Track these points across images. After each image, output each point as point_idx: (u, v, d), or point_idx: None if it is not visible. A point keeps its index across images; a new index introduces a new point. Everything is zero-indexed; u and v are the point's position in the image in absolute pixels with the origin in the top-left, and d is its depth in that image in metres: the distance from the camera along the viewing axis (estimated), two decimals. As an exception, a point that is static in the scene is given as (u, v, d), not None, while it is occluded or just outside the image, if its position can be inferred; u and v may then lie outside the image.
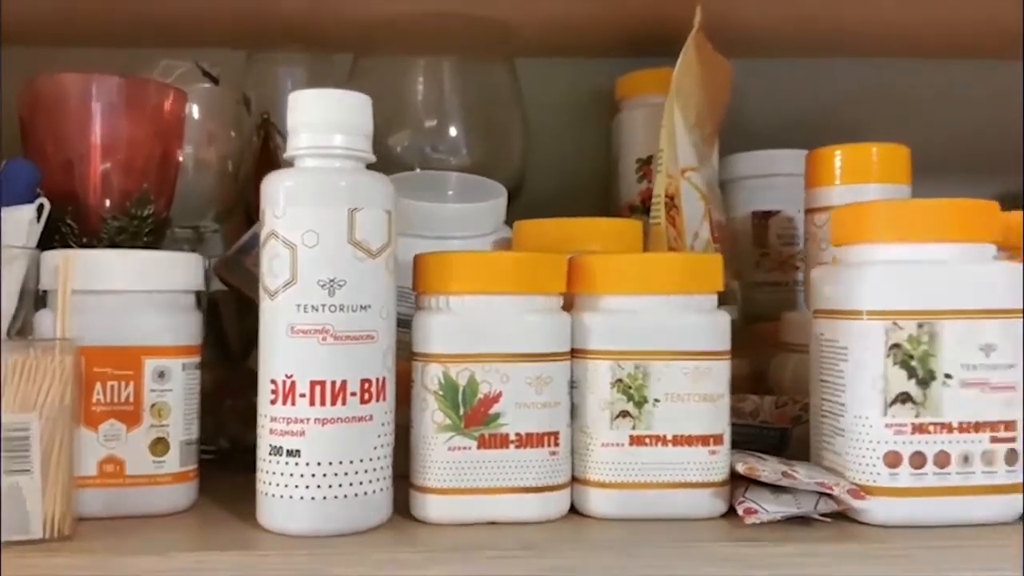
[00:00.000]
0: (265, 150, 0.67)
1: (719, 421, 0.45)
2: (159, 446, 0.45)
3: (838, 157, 0.57)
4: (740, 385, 0.59)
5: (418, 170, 0.69)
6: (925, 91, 0.78)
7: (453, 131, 0.68)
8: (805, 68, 0.77)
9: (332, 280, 0.41)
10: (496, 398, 0.44)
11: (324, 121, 0.43)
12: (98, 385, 0.45)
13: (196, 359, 0.47)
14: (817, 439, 0.47)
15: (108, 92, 0.53)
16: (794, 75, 0.77)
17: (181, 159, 0.59)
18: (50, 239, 0.50)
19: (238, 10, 0.66)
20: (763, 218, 0.70)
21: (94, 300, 0.45)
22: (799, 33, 0.71)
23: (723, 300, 0.57)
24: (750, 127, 0.75)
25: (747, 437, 0.53)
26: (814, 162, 0.58)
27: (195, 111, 0.63)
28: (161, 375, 0.45)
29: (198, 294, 0.49)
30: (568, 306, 0.46)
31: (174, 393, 0.46)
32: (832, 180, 0.57)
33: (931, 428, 0.43)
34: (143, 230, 0.54)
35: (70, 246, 0.51)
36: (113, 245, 0.52)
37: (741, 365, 0.60)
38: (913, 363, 0.43)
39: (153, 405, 0.45)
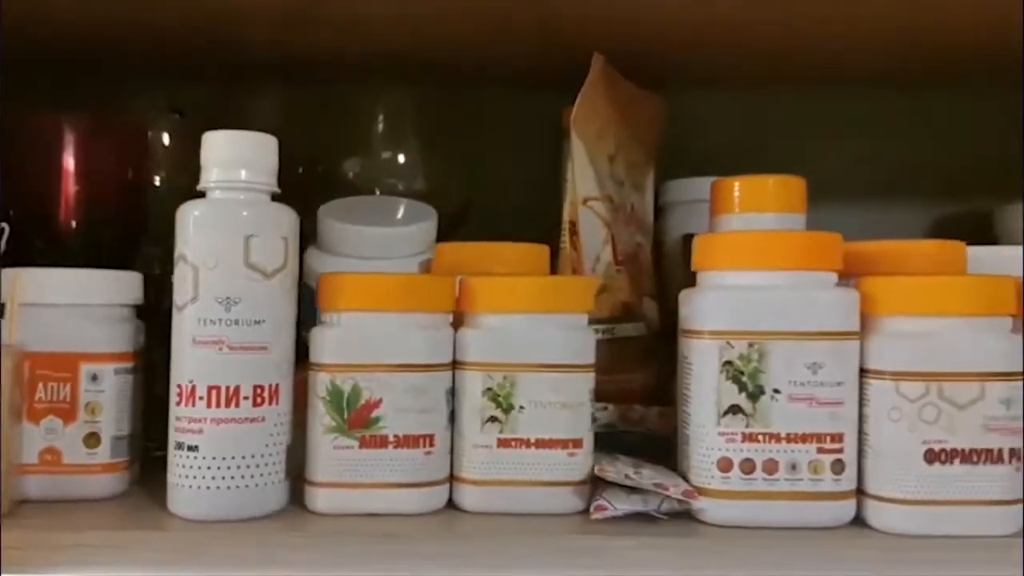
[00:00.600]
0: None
1: (579, 427, 0.50)
2: (92, 439, 0.52)
3: (736, 187, 0.61)
4: (648, 396, 0.64)
5: (378, 194, 0.75)
6: (856, 119, 0.81)
7: (402, 159, 0.74)
8: (744, 99, 0.81)
9: (228, 298, 0.48)
10: (377, 404, 0.49)
11: (230, 158, 0.49)
12: (40, 385, 0.52)
13: (128, 364, 0.54)
14: (678, 446, 0.52)
15: (74, 129, 0.61)
16: (735, 105, 0.81)
17: (156, 183, 0.67)
18: (24, 256, 0.57)
19: (216, 47, 0.73)
20: (691, 241, 0.74)
21: (39, 312, 0.52)
22: (736, 65, 0.76)
23: (631, 317, 0.63)
24: (695, 154, 0.80)
25: (636, 443, 0.58)
26: (716, 192, 0.63)
27: (165, 140, 0.70)
28: (95, 378, 0.52)
29: (137, 307, 0.56)
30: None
31: (106, 394, 0.52)
32: (732, 208, 0.61)
33: (760, 438, 0.47)
34: (105, 249, 0.61)
35: (39, 263, 0.58)
36: (77, 262, 0.59)
37: (648, 377, 0.65)
38: (744, 379, 0.47)
39: (87, 404, 0.52)
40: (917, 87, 0.79)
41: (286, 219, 0.50)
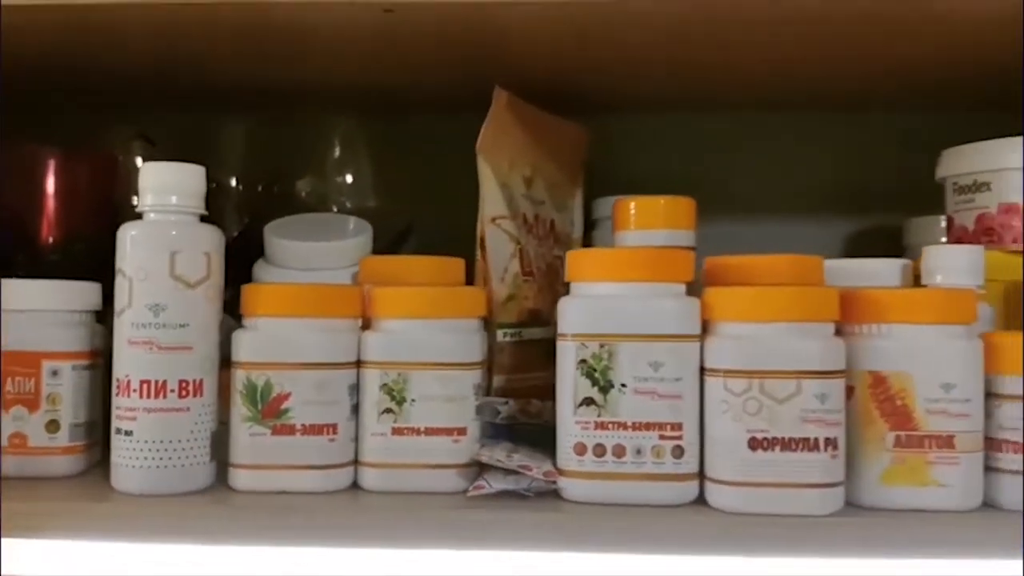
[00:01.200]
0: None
1: (463, 417, 0.58)
2: (52, 426, 0.61)
3: (632, 207, 0.69)
4: (552, 392, 0.71)
5: (335, 211, 0.84)
6: (777, 140, 0.88)
7: (350, 179, 0.83)
8: (673, 123, 0.88)
9: (156, 305, 0.56)
10: (286, 397, 0.57)
11: (162, 185, 0.58)
12: (9, 380, 0.61)
13: (85, 362, 0.62)
14: (556, 434, 0.59)
15: (53, 159, 0.70)
16: (665, 128, 0.88)
17: (132, 204, 0.76)
18: (9, 270, 0.66)
19: (189, 79, 0.81)
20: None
21: (9, 316, 0.61)
22: (663, 93, 0.83)
23: (538, 322, 0.70)
24: (628, 174, 0.87)
25: (534, 434, 0.65)
26: (616, 210, 0.70)
27: (138, 165, 0.79)
28: (55, 373, 0.61)
29: (97, 312, 0.65)
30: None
31: (64, 387, 0.61)
32: (628, 226, 0.69)
33: (610, 426, 0.55)
34: (79, 263, 0.70)
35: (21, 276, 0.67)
36: (55, 275, 0.68)
37: (552, 375, 0.72)
38: (596, 375, 0.55)
39: (48, 395, 0.61)
40: (835, 109, 0.86)
41: (210, 237, 0.58)
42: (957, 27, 0.62)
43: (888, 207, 0.85)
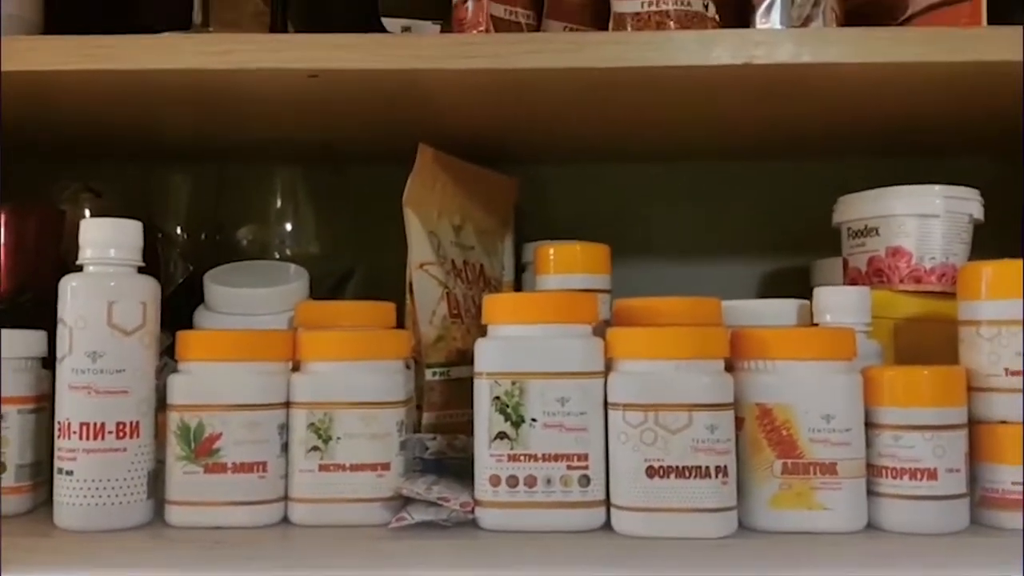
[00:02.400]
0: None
1: (387, 453, 0.62)
2: (-2, 467, 0.64)
3: (551, 253, 0.73)
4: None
5: (277, 257, 0.88)
6: (697, 187, 0.93)
7: (289, 227, 0.87)
8: (597, 171, 0.93)
9: (95, 352, 0.60)
10: (218, 437, 0.61)
11: (100, 240, 0.62)
12: (-44, 424, 0.64)
13: (31, 406, 0.65)
14: (475, 468, 0.63)
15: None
16: (589, 177, 0.93)
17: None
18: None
19: (134, 134, 0.85)
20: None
21: (-44, 364, 0.64)
22: (585, 143, 0.88)
23: (466, 361, 0.74)
24: (557, 220, 0.92)
25: (462, 468, 0.69)
26: (537, 256, 0.74)
27: (87, 214, 0.83)
28: (2, 417, 0.64)
29: (40, 358, 0.68)
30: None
31: (11, 430, 0.64)
32: (548, 270, 0.73)
33: (521, 458, 0.59)
34: (26, 313, 0.74)
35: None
36: (4, 325, 0.71)
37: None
38: (508, 410, 0.59)
39: (-6, 438, 0.64)
40: (746, 159, 0.91)
41: (146, 287, 0.62)
42: (835, 91, 0.67)
43: (799, 250, 0.90)
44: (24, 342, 0.67)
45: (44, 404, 0.67)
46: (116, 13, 0.73)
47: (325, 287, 0.86)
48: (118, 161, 0.88)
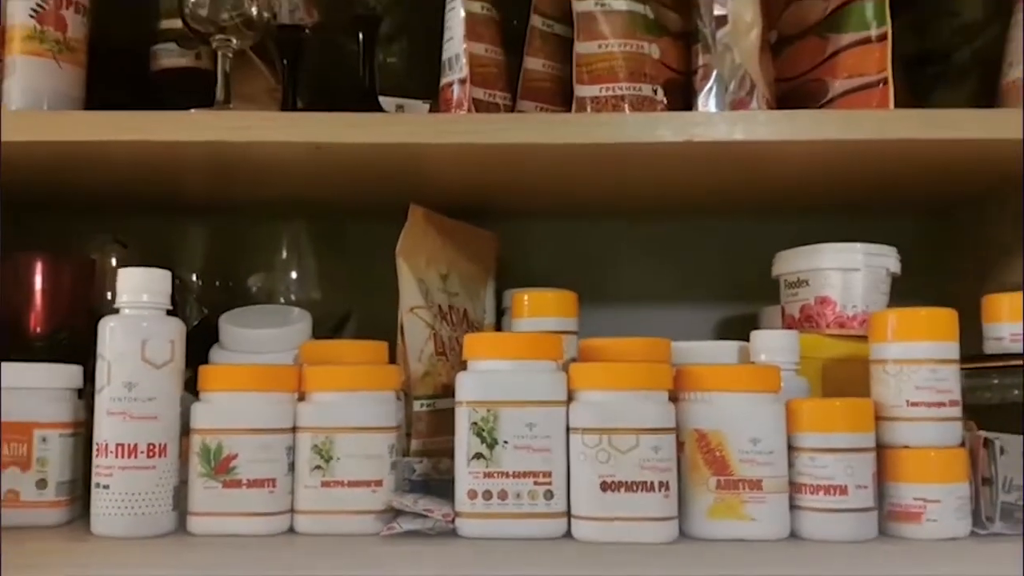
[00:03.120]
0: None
1: (380, 471, 0.72)
2: (41, 483, 0.74)
3: (525, 299, 0.84)
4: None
5: (283, 302, 0.98)
6: (660, 242, 1.04)
7: (295, 275, 0.97)
8: (570, 227, 1.04)
9: (130, 382, 0.70)
10: (234, 457, 0.71)
11: (134, 287, 0.72)
12: (5, 445, 0.74)
13: (69, 430, 0.75)
14: (458, 486, 0.73)
15: (39, 263, 0.84)
16: (562, 231, 1.04)
17: (108, 298, 0.90)
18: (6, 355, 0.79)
19: (157, 193, 0.96)
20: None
21: (7, 393, 0.74)
22: (560, 203, 0.99)
23: (450, 394, 0.84)
24: (535, 269, 1.02)
25: (445, 487, 0.78)
26: (513, 301, 0.85)
27: (114, 263, 0.93)
28: (44, 440, 0.74)
29: (77, 390, 0.78)
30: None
31: (52, 451, 0.74)
32: (523, 314, 0.84)
33: (495, 475, 0.69)
34: (61, 349, 0.84)
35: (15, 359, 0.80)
36: (44, 359, 0.81)
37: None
38: (484, 434, 0.69)
39: (39, 458, 0.74)
40: (701, 216, 1.02)
41: (174, 327, 0.72)
42: (766, 163, 0.79)
43: (750, 298, 1.00)
44: (64, 375, 0.77)
45: (80, 429, 0.77)
46: (150, 91, 0.85)
47: (325, 328, 0.96)
48: (141, 215, 0.98)
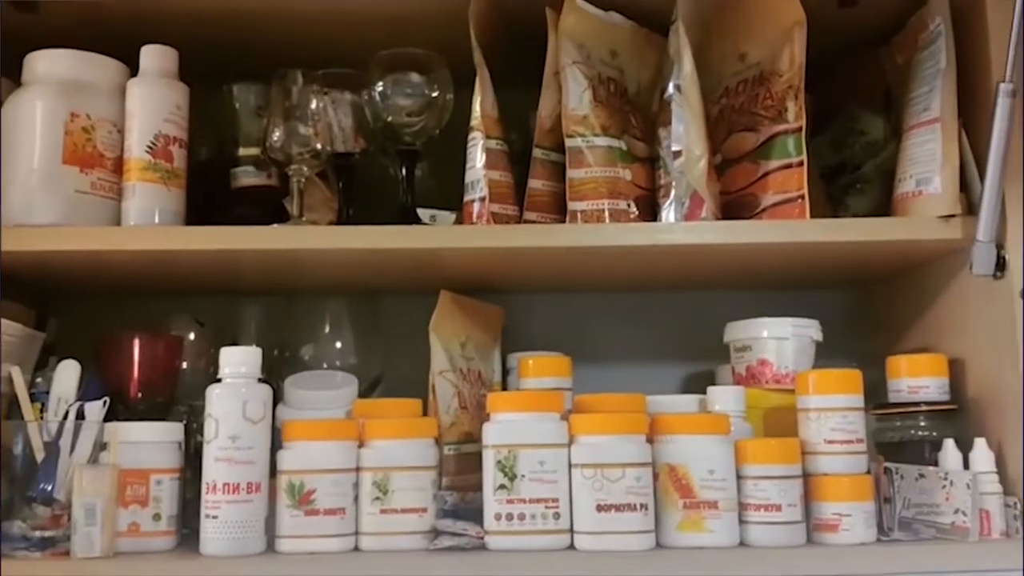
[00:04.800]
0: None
1: (425, 500, 0.93)
2: (156, 517, 0.94)
3: (530, 362, 1.06)
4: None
5: (325, 367, 1.20)
6: (635, 311, 1.27)
7: (339, 345, 1.19)
8: (562, 299, 1.27)
9: (233, 435, 0.91)
10: (313, 491, 0.92)
11: (234, 361, 0.94)
12: (128, 487, 0.94)
13: (176, 474, 0.96)
14: (481, 511, 0.94)
15: (137, 340, 1.05)
16: (557, 304, 1.27)
17: (183, 367, 1.11)
18: (113, 415, 1.00)
19: (228, 281, 1.17)
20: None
21: (127, 447, 0.95)
22: (557, 282, 1.22)
23: (471, 440, 1.06)
24: (533, 336, 1.24)
25: (471, 514, 1.00)
26: (520, 364, 1.07)
27: (191, 338, 1.15)
28: (159, 483, 0.95)
29: (182, 443, 0.99)
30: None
31: (164, 491, 0.95)
32: (528, 374, 1.06)
33: (515, 501, 0.90)
34: (155, 409, 1.05)
35: (121, 419, 1.01)
36: (141, 418, 1.02)
37: (479, 476, 1.08)
38: (506, 469, 0.91)
39: (155, 497, 0.95)
40: (667, 293, 1.26)
41: (265, 391, 0.94)
42: (716, 258, 1.02)
43: (708, 358, 1.23)
44: (173, 431, 0.98)
45: (181, 475, 0.98)
46: (230, 203, 1.07)
47: (361, 388, 1.17)
48: (213, 299, 1.20)
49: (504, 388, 1.18)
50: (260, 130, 1.07)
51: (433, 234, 0.96)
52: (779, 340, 1.06)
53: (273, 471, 0.94)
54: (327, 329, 1.20)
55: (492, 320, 1.18)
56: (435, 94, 1.01)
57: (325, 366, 1.19)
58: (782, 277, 1.16)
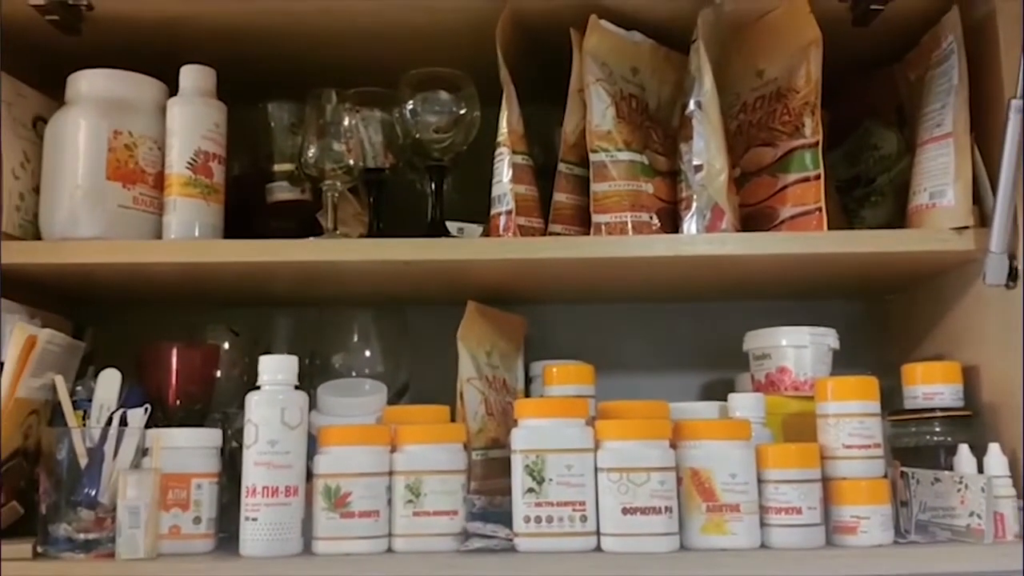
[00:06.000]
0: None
1: (455, 503, 0.96)
2: (197, 520, 0.98)
3: (554, 370, 1.09)
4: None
5: (354, 375, 1.23)
6: (652, 322, 1.30)
7: (368, 354, 1.22)
8: (584, 310, 1.30)
9: (272, 440, 0.95)
10: (349, 494, 0.95)
11: (272, 369, 0.97)
12: (169, 491, 0.98)
13: (215, 479, 1.00)
14: (510, 514, 0.98)
15: (175, 350, 1.09)
16: (578, 314, 1.31)
17: (218, 375, 1.15)
18: (154, 423, 1.03)
19: (262, 293, 1.21)
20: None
21: (168, 452, 0.98)
22: (578, 293, 1.25)
23: (498, 446, 1.09)
24: (554, 345, 1.28)
25: (499, 516, 1.03)
26: (545, 372, 1.10)
27: (226, 347, 1.18)
28: (199, 487, 0.98)
29: (219, 448, 1.02)
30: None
31: (204, 494, 0.98)
32: (552, 382, 1.09)
33: (543, 504, 0.93)
34: (192, 416, 1.08)
35: (159, 425, 1.05)
36: (179, 424, 1.05)
37: (506, 480, 1.11)
38: (534, 473, 0.94)
39: (195, 500, 0.98)
40: (689, 303, 1.29)
41: (302, 399, 0.97)
42: (736, 269, 1.05)
43: (728, 366, 1.26)
44: (212, 436, 1.02)
45: (219, 479, 1.01)
46: (266, 216, 1.11)
47: (389, 396, 1.21)
48: (247, 309, 1.24)
49: (527, 396, 1.21)
50: (294, 146, 1.10)
51: (463, 246, 0.99)
52: (798, 348, 1.09)
53: (309, 475, 0.97)
54: (356, 339, 1.23)
55: (515, 329, 1.22)
56: (463, 111, 1.05)
57: (354, 374, 1.22)
58: (800, 287, 1.19)
